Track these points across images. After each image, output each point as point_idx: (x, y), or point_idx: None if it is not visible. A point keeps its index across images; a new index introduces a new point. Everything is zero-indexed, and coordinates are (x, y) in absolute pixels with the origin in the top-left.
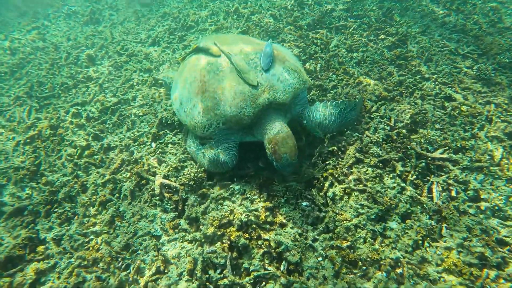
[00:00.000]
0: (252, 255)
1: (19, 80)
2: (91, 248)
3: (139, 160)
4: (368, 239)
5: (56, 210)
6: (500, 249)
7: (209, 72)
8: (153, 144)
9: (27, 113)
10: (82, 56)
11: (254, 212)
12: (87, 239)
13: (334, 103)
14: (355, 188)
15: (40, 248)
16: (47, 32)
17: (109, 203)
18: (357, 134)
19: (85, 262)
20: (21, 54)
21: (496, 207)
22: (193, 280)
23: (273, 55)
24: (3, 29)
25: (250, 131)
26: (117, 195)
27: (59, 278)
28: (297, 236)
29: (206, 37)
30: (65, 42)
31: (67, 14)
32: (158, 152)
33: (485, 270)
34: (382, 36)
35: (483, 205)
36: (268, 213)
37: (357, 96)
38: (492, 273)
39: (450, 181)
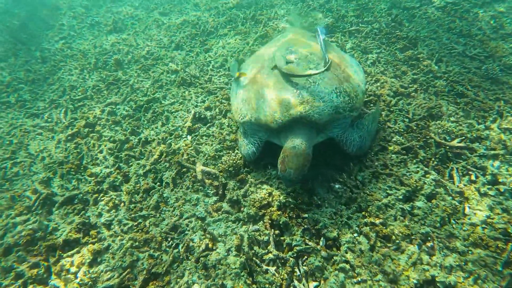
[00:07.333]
0: (293, 232)
1: (51, 86)
2: (140, 230)
3: (177, 151)
4: (399, 216)
5: (103, 198)
6: None
7: (269, 65)
8: (189, 137)
9: (64, 114)
10: (110, 61)
11: (291, 193)
12: (136, 223)
13: (358, 124)
14: (382, 172)
15: (93, 232)
16: (73, 41)
17: (152, 190)
18: (379, 126)
19: (137, 243)
20: (52, 62)
21: None
22: (241, 255)
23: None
24: (33, 41)
25: (277, 135)
26: (159, 183)
27: (113, 258)
28: (333, 215)
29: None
30: (92, 49)
31: (91, 24)
32: (194, 143)
33: (510, 244)
34: (393, 40)
35: (502, 187)
36: (304, 194)
37: (372, 110)
38: None
39: (469, 167)
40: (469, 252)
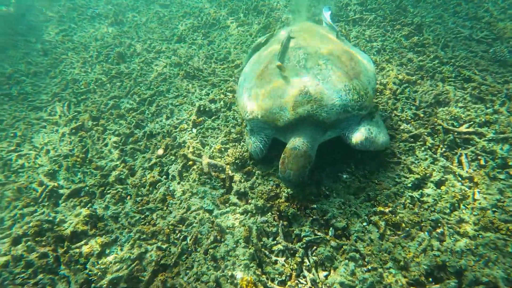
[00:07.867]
0: (302, 223)
1: (54, 79)
2: (147, 223)
3: (183, 144)
4: (408, 204)
5: (109, 191)
6: None
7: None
8: (194, 130)
9: (67, 107)
10: (112, 54)
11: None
12: (143, 216)
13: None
14: (390, 160)
15: (100, 225)
16: (75, 33)
17: (159, 183)
18: (386, 114)
19: (144, 236)
20: (53, 54)
21: None
22: (250, 246)
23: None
24: (32, 33)
25: (283, 133)
26: (165, 176)
27: (121, 250)
28: (341, 205)
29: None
30: (93, 42)
31: (91, 16)
32: (199, 136)
33: None
34: (398, 26)
35: None
36: (312, 185)
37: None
38: None
39: (478, 152)
40: (480, 236)
